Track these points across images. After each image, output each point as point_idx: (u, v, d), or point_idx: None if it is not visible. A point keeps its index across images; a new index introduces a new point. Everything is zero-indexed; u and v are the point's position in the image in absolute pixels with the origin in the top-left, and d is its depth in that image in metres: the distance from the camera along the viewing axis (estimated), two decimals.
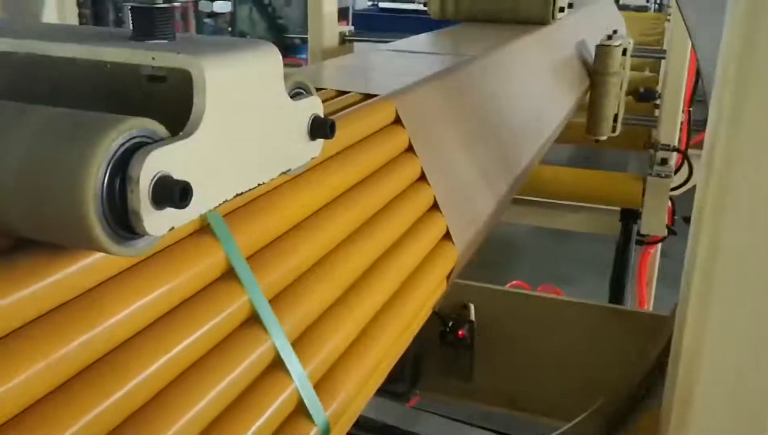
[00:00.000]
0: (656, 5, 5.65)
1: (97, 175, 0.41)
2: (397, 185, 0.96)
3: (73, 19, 1.66)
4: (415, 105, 1.10)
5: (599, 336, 1.84)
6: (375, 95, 1.03)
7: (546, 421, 1.94)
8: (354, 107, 0.96)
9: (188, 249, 0.56)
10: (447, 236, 1.04)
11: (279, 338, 0.60)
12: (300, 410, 0.62)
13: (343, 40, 2.60)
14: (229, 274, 0.59)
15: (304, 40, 2.96)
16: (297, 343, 0.64)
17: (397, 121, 1.02)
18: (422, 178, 1.03)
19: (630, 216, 2.68)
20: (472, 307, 1.86)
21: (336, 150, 0.84)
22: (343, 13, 2.73)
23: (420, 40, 1.86)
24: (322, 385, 0.66)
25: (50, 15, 1.50)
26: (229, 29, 7.11)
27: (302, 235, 0.71)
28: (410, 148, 1.02)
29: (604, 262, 2.95)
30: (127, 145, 0.43)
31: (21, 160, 0.41)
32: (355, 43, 2.67)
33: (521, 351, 1.86)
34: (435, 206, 1.03)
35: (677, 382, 0.73)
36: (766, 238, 0.58)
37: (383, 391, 1.91)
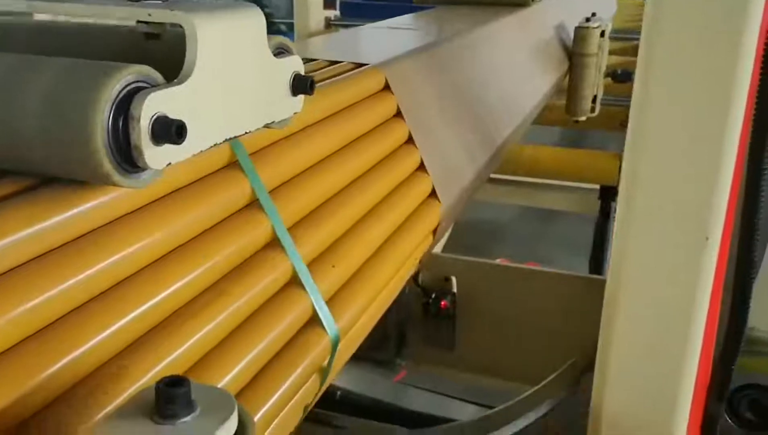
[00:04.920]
0: None
1: (103, 113, 0.47)
2: (386, 146, 1.04)
3: None
4: (403, 74, 1.18)
5: (577, 305, 1.91)
6: (365, 64, 1.11)
7: (528, 388, 2.01)
8: (346, 74, 1.04)
9: (218, 181, 0.66)
10: (433, 194, 1.13)
11: (296, 260, 0.72)
12: (314, 321, 0.73)
13: (329, 24, 2.66)
14: (253, 204, 0.70)
15: (290, 27, 3.01)
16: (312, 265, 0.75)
17: (386, 88, 1.10)
18: (410, 140, 1.11)
19: (608, 193, 2.76)
20: (454, 279, 1.93)
21: (328, 114, 0.91)
22: (330, 1, 2.78)
23: (404, 21, 1.92)
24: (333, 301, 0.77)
25: None
26: None
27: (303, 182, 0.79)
28: (399, 114, 1.11)
29: (587, 243, 3.03)
30: (129, 88, 0.49)
31: (40, 103, 0.48)
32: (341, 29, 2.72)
33: (502, 321, 1.93)
34: (421, 166, 1.12)
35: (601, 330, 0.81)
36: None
37: (369, 360, 1.98)
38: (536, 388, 1.44)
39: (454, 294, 1.93)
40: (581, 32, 2.46)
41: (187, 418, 0.43)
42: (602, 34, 2.51)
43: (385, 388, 2.18)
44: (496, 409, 1.47)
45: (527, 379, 2.00)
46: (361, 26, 1.86)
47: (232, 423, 0.44)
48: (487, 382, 1.99)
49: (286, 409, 0.70)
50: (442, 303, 1.91)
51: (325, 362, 0.76)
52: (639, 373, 0.73)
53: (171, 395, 0.42)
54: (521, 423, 1.37)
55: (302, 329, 0.72)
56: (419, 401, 2.14)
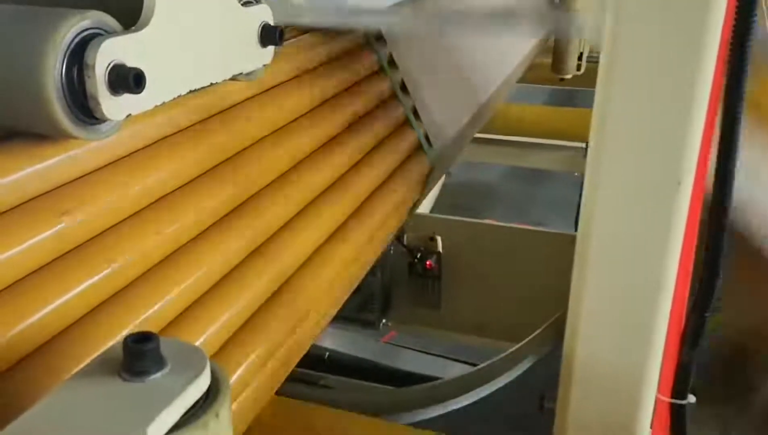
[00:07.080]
0: None
1: (55, 62, 0.45)
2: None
3: None
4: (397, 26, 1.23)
5: (563, 263, 1.90)
6: None
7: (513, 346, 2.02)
8: None
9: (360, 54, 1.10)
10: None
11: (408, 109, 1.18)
12: (419, 149, 1.19)
13: None
14: (380, 71, 1.14)
15: None
16: None
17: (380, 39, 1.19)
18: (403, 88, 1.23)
19: None
20: (439, 239, 1.92)
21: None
22: None
23: None
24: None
25: None
26: None
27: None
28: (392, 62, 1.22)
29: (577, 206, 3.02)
30: (83, 35, 0.47)
31: None
32: None
33: (488, 280, 1.93)
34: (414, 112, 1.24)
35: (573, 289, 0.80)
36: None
37: (356, 321, 1.98)
38: (518, 345, 1.45)
39: (439, 254, 1.92)
40: None
41: (157, 375, 0.41)
42: None
43: (373, 349, 2.20)
44: (477, 367, 1.47)
45: (513, 338, 2.01)
46: None
47: (204, 379, 0.43)
48: (473, 341, 1.99)
49: (395, 207, 1.05)
50: (428, 263, 1.90)
51: (424, 177, 1.19)
52: (610, 320, 0.73)
53: (139, 351, 0.41)
54: (502, 380, 1.37)
55: (412, 154, 1.16)
56: (405, 361, 2.16)
